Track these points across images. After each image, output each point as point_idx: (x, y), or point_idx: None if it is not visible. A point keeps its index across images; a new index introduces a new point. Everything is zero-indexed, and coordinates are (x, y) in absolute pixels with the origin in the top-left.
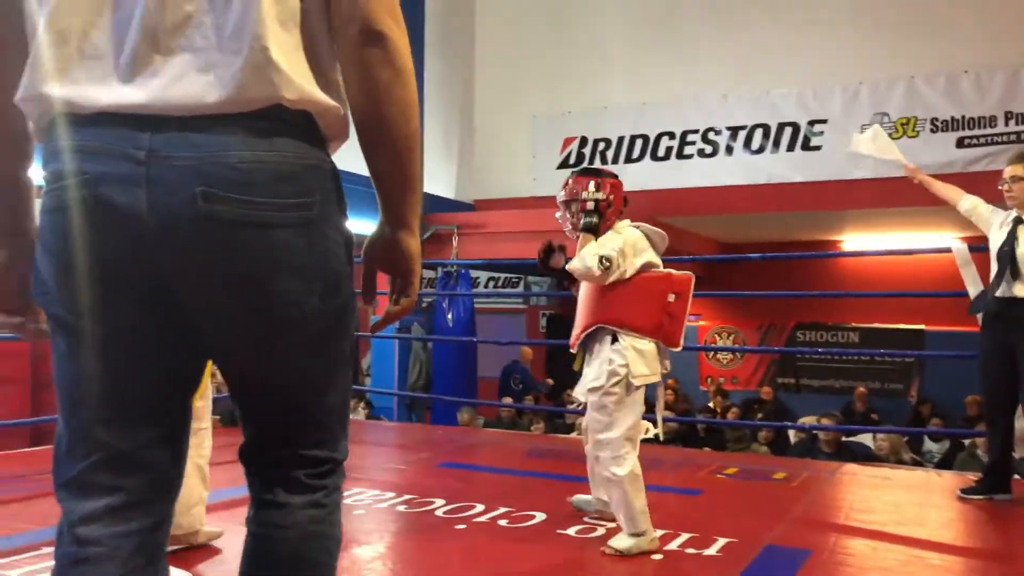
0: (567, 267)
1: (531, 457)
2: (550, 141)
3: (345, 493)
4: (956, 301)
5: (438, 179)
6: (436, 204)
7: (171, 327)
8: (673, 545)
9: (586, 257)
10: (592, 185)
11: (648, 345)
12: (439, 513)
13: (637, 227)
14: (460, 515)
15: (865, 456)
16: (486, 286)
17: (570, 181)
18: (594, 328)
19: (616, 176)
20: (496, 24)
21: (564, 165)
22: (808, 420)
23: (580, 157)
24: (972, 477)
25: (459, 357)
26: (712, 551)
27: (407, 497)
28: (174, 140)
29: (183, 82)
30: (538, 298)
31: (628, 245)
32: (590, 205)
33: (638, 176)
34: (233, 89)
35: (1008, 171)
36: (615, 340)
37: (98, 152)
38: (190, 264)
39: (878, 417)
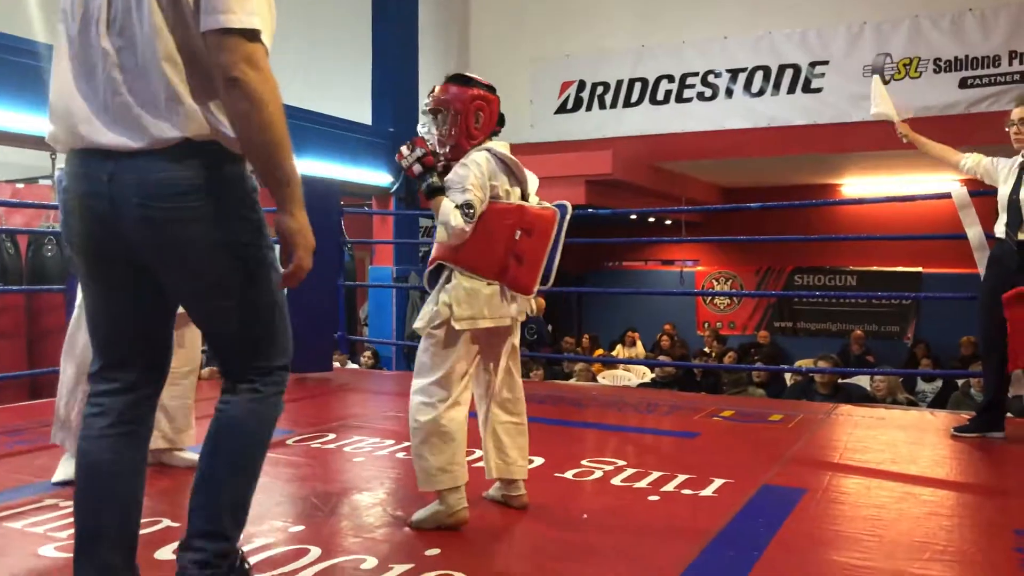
0: (435, 239)
1: (531, 403)
2: (548, 85)
3: (343, 441)
4: (953, 244)
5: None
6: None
7: (141, 281)
8: (669, 487)
9: (448, 217)
10: (405, 148)
11: (484, 287)
12: None
13: (489, 149)
14: None
15: (861, 397)
16: None
17: (436, 88)
18: (436, 264)
19: (490, 88)
20: None
21: (562, 110)
22: (804, 363)
23: (578, 101)
24: (965, 416)
25: None
26: (708, 492)
27: (406, 444)
28: (124, 166)
29: (127, 131)
30: None
31: (480, 175)
32: (416, 169)
33: (637, 120)
34: (154, 134)
35: (1016, 113)
36: (449, 279)
37: (81, 175)
38: (142, 246)
39: (874, 359)
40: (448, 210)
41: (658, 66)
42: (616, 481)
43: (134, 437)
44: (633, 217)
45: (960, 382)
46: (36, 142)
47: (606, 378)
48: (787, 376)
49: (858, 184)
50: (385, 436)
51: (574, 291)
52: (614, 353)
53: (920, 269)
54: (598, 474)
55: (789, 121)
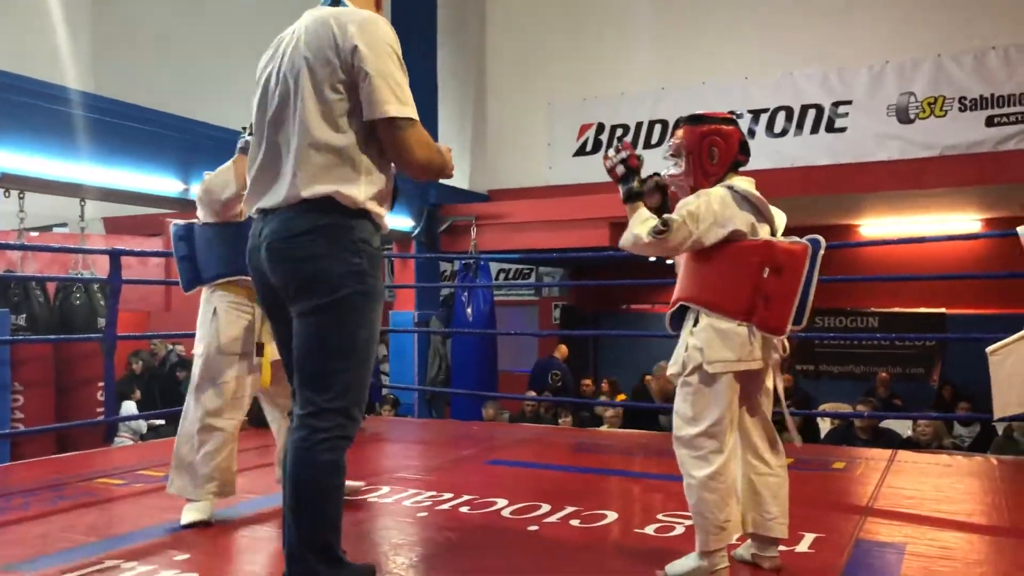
0: (620, 244)
1: (579, 452)
2: (566, 128)
3: (401, 495)
4: (976, 284)
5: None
6: (450, 195)
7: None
8: None
9: (634, 224)
10: (611, 152)
11: (734, 327)
12: (505, 514)
13: (730, 187)
14: (528, 516)
15: (903, 442)
16: (497, 278)
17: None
18: (678, 306)
19: (729, 121)
20: (510, 9)
21: (581, 152)
22: (830, 406)
23: (597, 144)
24: None
25: (480, 350)
26: (803, 548)
27: (467, 497)
28: (268, 220)
29: (270, 197)
30: (551, 289)
31: (707, 210)
32: (619, 171)
33: (657, 162)
34: (283, 198)
35: None
36: (696, 321)
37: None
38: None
39: (901, 402)
40: (640, 219)
41: (678, 108)
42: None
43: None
44: (652, 259)
45: (1002, 426)
46: (63, 188)
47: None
48: (818, 420)
49: (876, 225)
50: (440, 489)
51: (602, 334)
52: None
53: (944, 310)
54: (679, 530)
55: (812, 161)
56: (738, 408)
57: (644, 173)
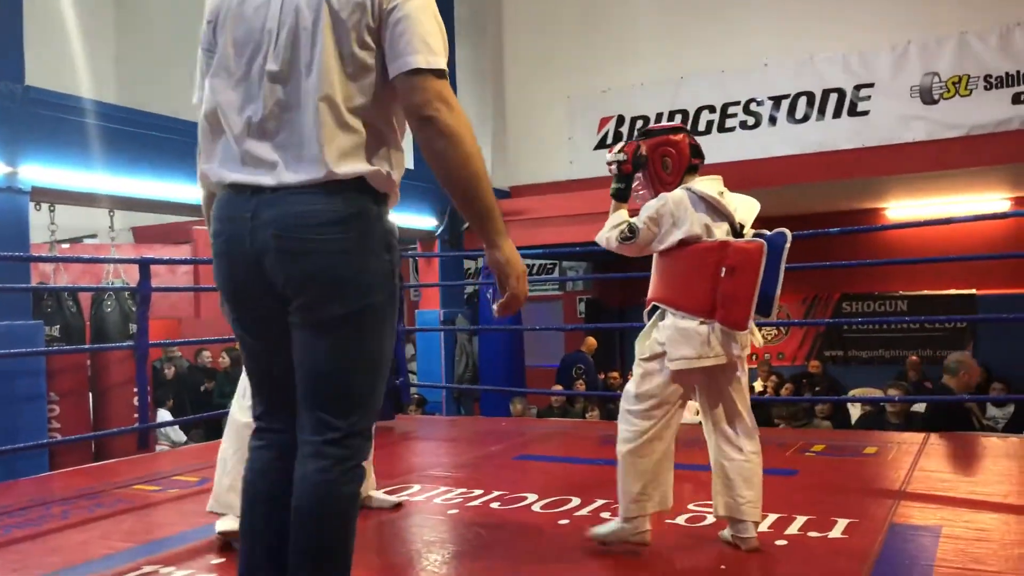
0: (596, 239)
1: (606, 445)
2: (586, 121)
3: (431, 493)
4: (1008, 263)
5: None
6: None
7: (284, 322)
8: (793, 529)
9: (608, 226)
10: (617, 147)
11: (695, 325)
12: (536, 508)
13: (688, 188)
14: (558, 510)
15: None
16: None
17: (620, 150)
18: (651, 306)
19: (677, 131)
20: (526, 4)
21: (601, 146)
22: (861, 391)
23: (618, 136)
24: None
25: (506, 347)
26: (836, 533)
27: (497, 493)
28: (270, 200)
29: (273, 170)
30: (575, 283)
31: (666, 213)
32: (613, 169)
33: None
34: (303, 174)
35: None
36: (663, 318)
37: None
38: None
39: (932, 385)
40: (613, 223)
41: (698, 96)
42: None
43: (291, 472)
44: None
45: None
46: (91, 199)
47: None
48: (848, 406)
49: (902, 207)
50: (470, 486)
51: (616, 327)
52: None
53: (974, 291)
54: (711, 519)
55: (836, 146)
56: (708, 400)
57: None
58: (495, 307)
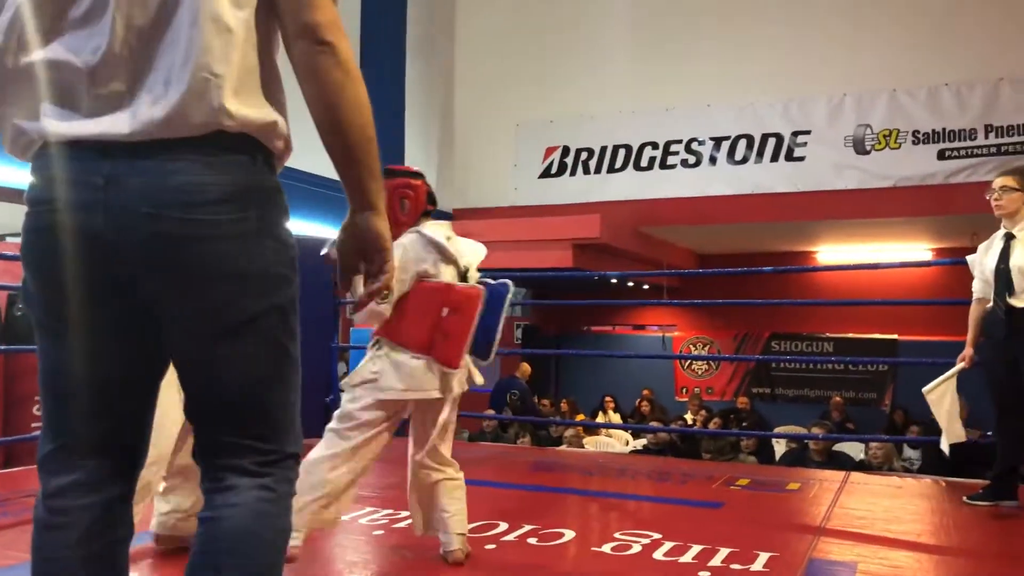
0: (355, 322)
1: (538, 470)
2: (532, 150)
3: (358, 513)
4: (927, 311)
5: None
6: None
7: (134, 326)
8: (716, 561)
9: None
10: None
11: (410, 359)
12: None
13: (419, 232)
14: (485, 534)
15: (854, 464)
16: None
17: None
18: (375, 340)
19: (413, 175)
20: (478, 31)
21: (546, 174)
22: (786, 429)
23: (562, 167)
24: (977, 484)
25: None
26: (758, 567)
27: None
28: (127, 168)
29: (135, 114)
30: (513, 309)
31: (411, 258)
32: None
33: (622, 185)
34: (177, 118)
35: (998, 182)
36: (379, 346)
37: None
38: (146, 273)
39: (854, 426)
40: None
41: (642, 132)
42: (658, 555)
43: (112, 557)
44: (614, 281)
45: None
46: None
47: (590, 444)
48: (774, 443)
49: (832, 252)
50: (397, 507)
51: (552, 353)
52: (597, 419)
53: (896, 336)
54: (636, 548)
55: (772, 188)
56: (414, 430)
57: (609, 189)
58: (362, 293)
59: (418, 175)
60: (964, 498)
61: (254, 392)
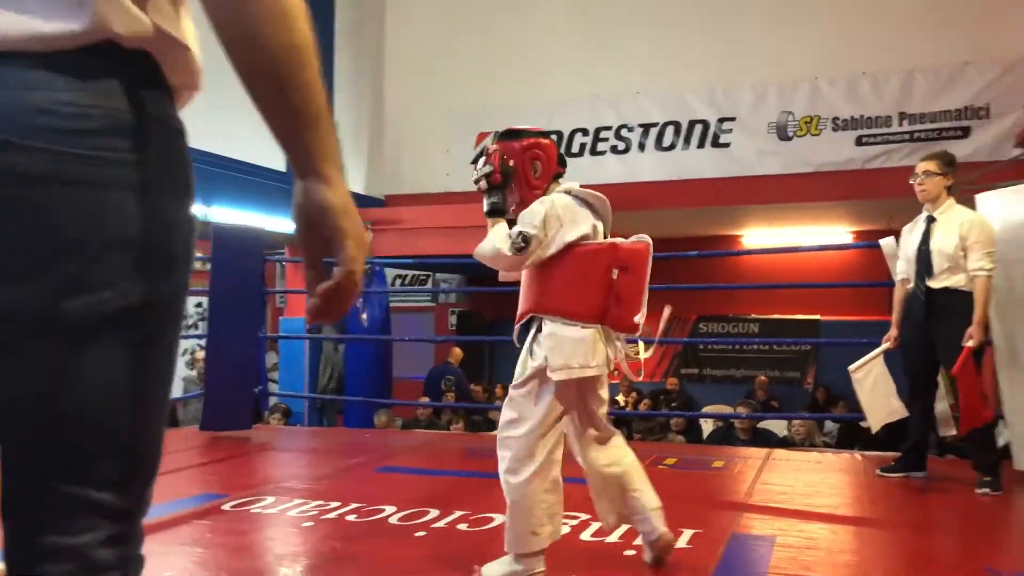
0: (474, 254)
1: (470, 457)
2: (465, 135)
3: (286, 505)
4: (848, 292)
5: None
6: None
7: None
8: (641, 540)
9: (495, 238)
10: (481, 162)
11: (579, 332)
12: (393, 521)
13: (568, 191)
14: (416, 521)
15: (780, 441)
16: (393, 284)
17: (488, 149)
18: (528, 318)
19: (541, 134)
20: (409, 16)
21: (478, 159)
22: (714, 408)
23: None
24: (889, 457)
25: (374, 358)
26: (682, 543)
27: (355, 506)
28: None
29: None
30: (447, 295)
31: (553, 216)
32: (483, 185)
33: None
34: (54, 21)
35: (920, 167)
36: (540, 329)
37: None
38: None
39: (778, 404)
40: (499, 235)
41: (573, 119)
42: (586, 536)
43: None
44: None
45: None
46: None
47: None
48: (701, 422)
49: (757, 236)
50: (327, 498)
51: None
52: None
53: (818, 317)
54: (565, 530)
55: (699, 174)
56: (579, 411)
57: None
58: (319, 290)
59: (546, 134)
60: (877, 471)
61: (112, 419)
